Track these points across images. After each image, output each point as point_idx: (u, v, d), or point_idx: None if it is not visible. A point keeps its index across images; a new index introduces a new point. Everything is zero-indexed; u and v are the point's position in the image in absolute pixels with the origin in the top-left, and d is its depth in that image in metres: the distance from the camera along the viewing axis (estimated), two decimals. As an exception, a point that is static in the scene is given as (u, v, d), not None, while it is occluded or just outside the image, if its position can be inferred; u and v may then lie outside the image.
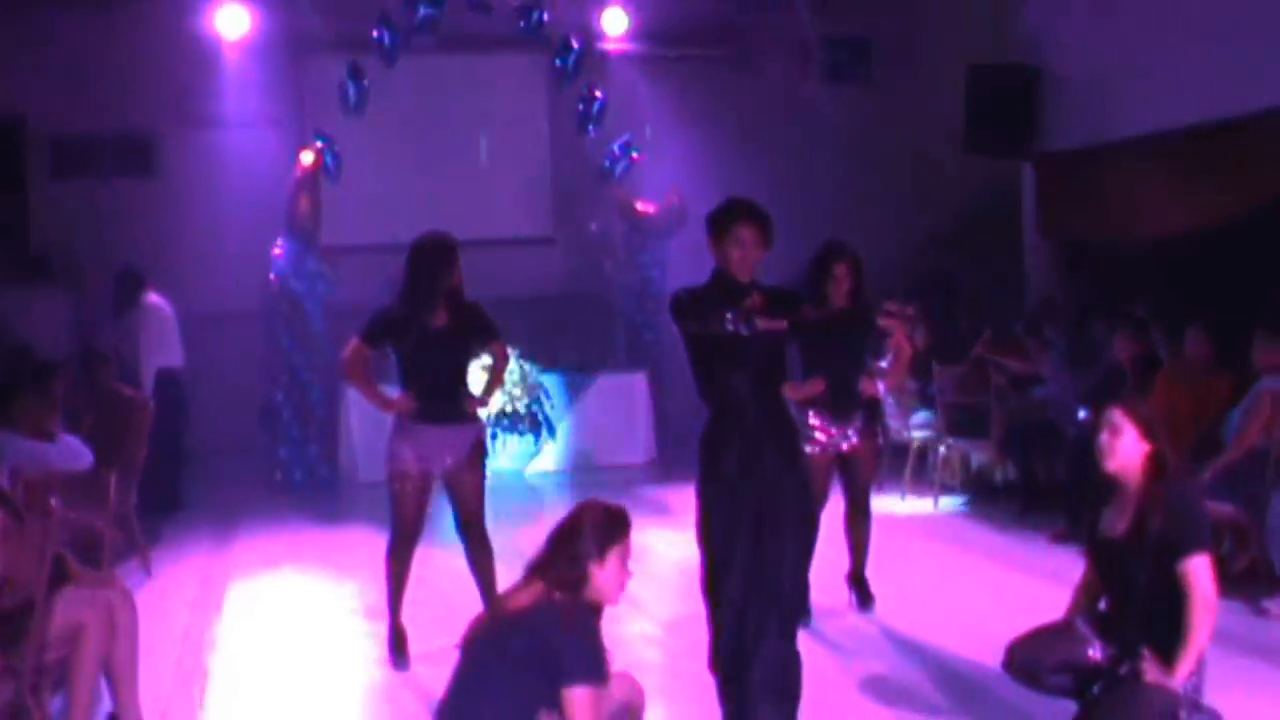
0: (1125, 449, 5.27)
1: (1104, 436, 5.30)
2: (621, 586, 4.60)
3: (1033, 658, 5.42)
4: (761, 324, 5.66)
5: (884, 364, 8.48)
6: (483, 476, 7.31)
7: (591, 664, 4.36)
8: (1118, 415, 5.30)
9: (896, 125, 15.66)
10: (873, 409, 7.88)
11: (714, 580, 5.87)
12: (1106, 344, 10.33)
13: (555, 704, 4.33)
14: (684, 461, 13.31)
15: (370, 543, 9.33)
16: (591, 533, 4.53)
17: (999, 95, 13.00)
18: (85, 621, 5.61)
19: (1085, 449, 5.88)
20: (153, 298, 11.78)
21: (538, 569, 4.55)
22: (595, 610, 4.56)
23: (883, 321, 7.63)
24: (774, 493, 5.76)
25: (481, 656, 4.50)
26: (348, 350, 7.25)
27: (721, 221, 5.94)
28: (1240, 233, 10.62)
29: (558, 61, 14.48)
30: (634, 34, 14.98)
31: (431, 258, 7.09)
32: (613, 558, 4.53)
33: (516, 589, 4.59)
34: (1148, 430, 5.28)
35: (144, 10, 13.79)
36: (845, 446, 7.73)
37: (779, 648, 5.69)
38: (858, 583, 8.02)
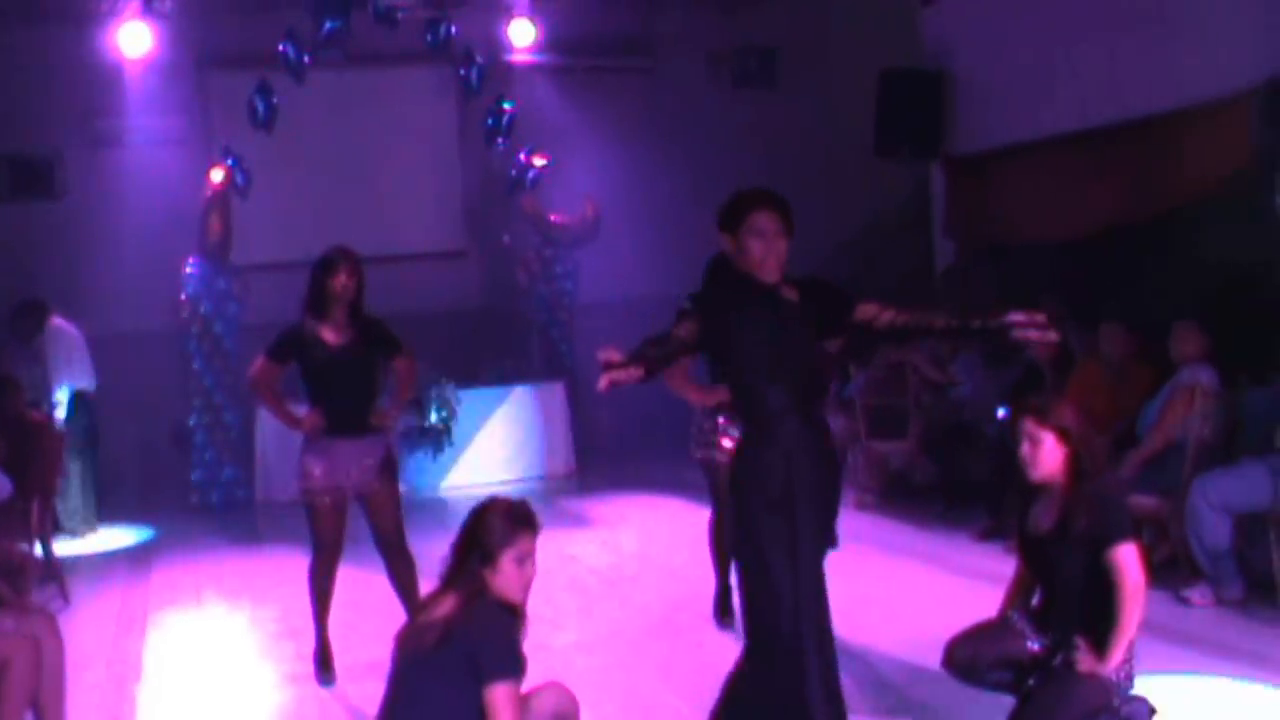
0: (1045, 457, 5.37)
1: (1024, 449, 5.40)
2: (524, 585, 4.59)
3: (972, 655, 5.46)
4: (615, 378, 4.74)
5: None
6: (396, 490, 7.27)
7: (506, 660, 4.38)
8: (1032, 426, 5.39)
9: (806, 131, 15.72)
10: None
11: (768, 603, 5.01)
12: (1021, 341, 10.39)
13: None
14: (604, 471, 13.52)
15: (291, 562, 9.23)
16: (484, 539, 4.52)
17: (908, 100, 13.09)
18: (10, 655, 5.49)
19: (1005, 447, 5.93)
20: (58, 321, 11.62)
21: (447, 578, 4.57)
22: (510, 609, 4.55)
23: None
24: (813, 509, 5.08)
25: (411, 670, 4.49)
26: (254, 368, 7.28)
27: (734, 211, 5.15)
28: (1146, 231, 10.75)
29: (465, 74, 14.42)
30: (542, 45, 14.93)
31: (321, 270, 7.09)
32: (505, 560, 4.51)
33: (433, 600, 4.59)
34: (1063, 435, 5.37)
35: (42, 30, 13.55)
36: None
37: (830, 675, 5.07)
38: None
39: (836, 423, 11.59)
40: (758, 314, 5.04)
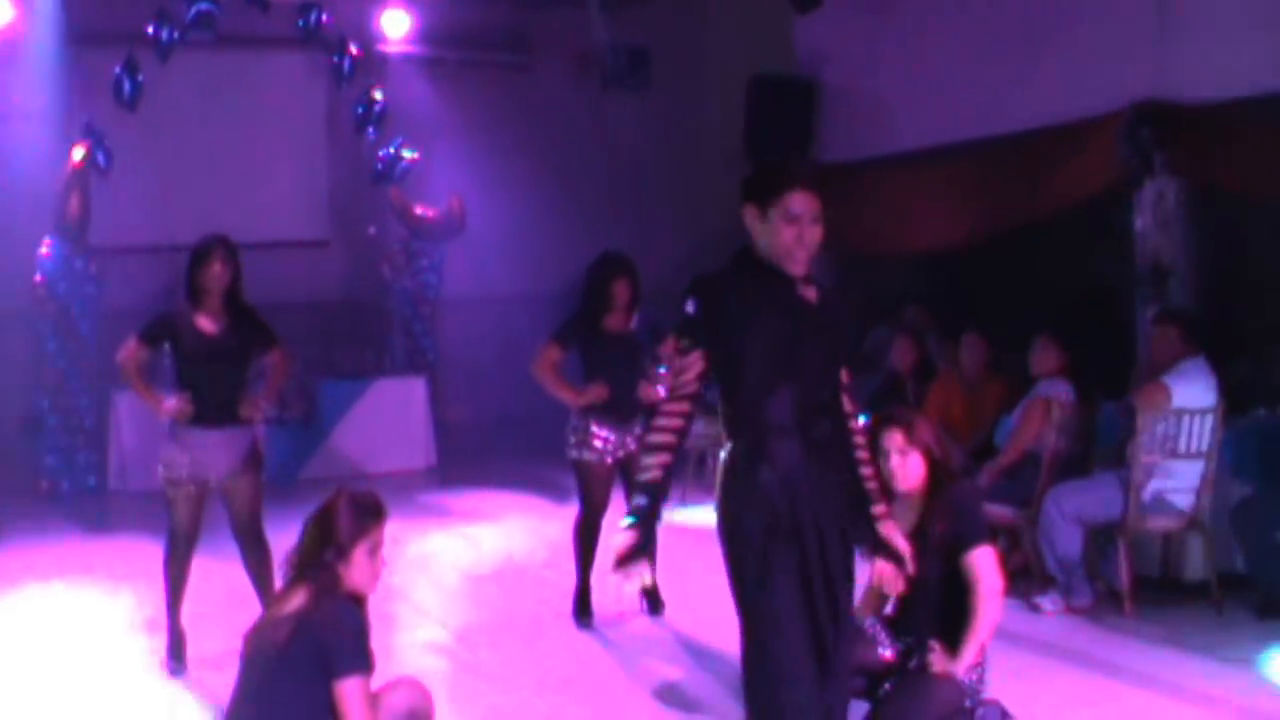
0: (910, 469, 5.47)
1: (892, 461, 5.47)
2: (375, 576, 4.57)
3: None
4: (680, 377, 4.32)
5: (664, 370, 8.53)
6: (259, 481, 7.23)
7: (355, 655, 4.35)
8: (900, 439, 5.48)
9: (675, 134, 15.79)
10: (653, 415, 7.90)
11: (770, 669, 4.43)
12: (885, 350, 10.53)
13: None
14: (464, 468, 13.45)
15: (144, 552, 9.07)
16: (335, 531, 4.49)
17: (779, 107, 13.19)
18: None
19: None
20: None
21: (295, 572, 4.54)
22: (358, 601, 4.53)
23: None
24: (823, 550, 4.41)
25: (260, 665, 4.44)
26: (124, 349, 7.16)
27: (767, 185, 4.41)
28: (1008, 246, 10.95)
29: (337, 62, 14.27)
30: (415, 36, 14.83)
31: (195, 258, 7.03)
32: (359, 553, 4.49)
33: (284, 595, 4.55)
34: (926, 448, 5.50)
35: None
36: (622, 453, 7.74)
37: None
38: (647, 589, 8.03)
39: (697, 425, 11.68)
40: (770, 310, 4.36)
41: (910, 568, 4.62)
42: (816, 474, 4.38)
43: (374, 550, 4.53)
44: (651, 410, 7.84)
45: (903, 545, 4.58)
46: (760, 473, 4.32)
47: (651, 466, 4.29)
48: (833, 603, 4.39)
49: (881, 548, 4.58)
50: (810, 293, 4.43)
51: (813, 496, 4.35)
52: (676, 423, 4.32)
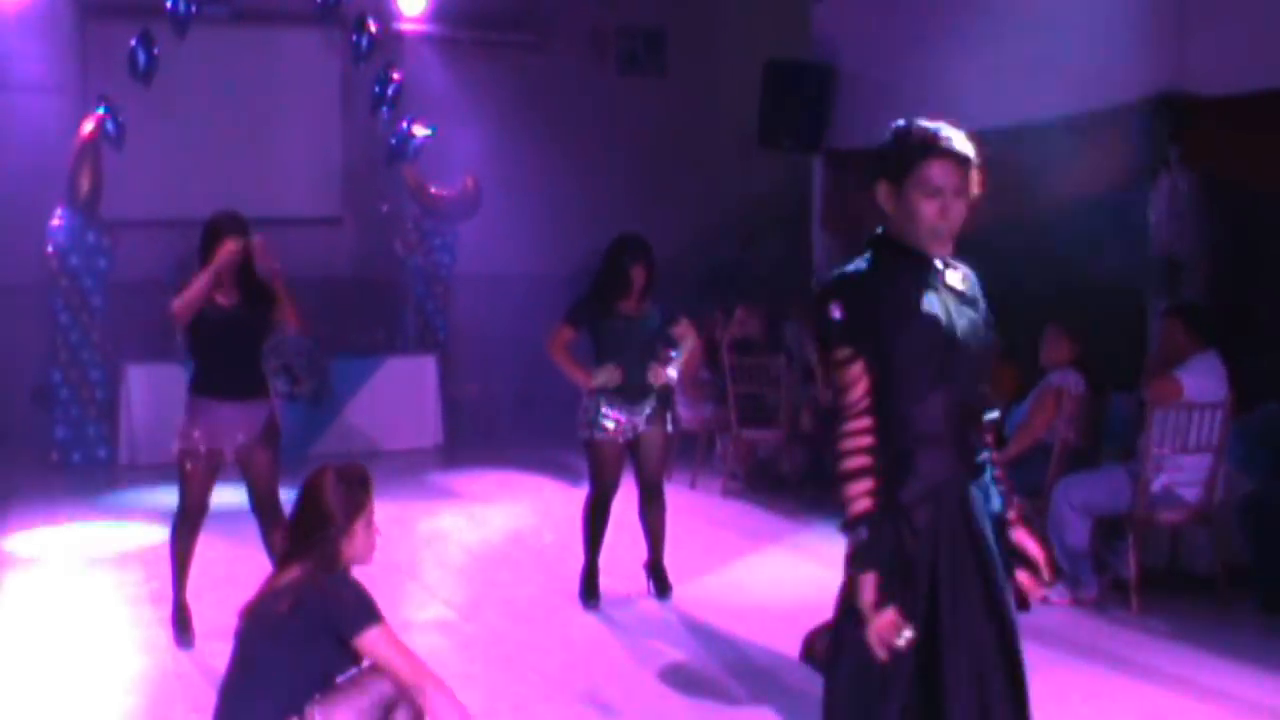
0: None
1: None
2: (372, 548, 4.62)
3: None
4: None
5: (675, 354, 8.53)
6: (276, 454, 7.24)
7: (363, 611, 4.41)
8: None
9: (690, 117, 15.79)
10: (663, 398, 7.94)
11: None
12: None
13: (348, 665, 4.43)
14: (472, 447, 13.47)
15: (153, 525, 9.12)
16: (329, 509, 4.52)
17: (793, 92, 13.16)
18: None
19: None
20: None
21: (292, 549, 4.58)
22: (347, 569, 4.57)
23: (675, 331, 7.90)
24: (962, 596, 3.72)
25: (258, 634, 4.49)
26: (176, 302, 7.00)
27: (901, 156, 3.84)
28: (1019, 235, 10.92)
29: (353, 39, 14.27)
30: (432, 15, 14.84)
31: (208, 234, 7.02)
32: (358, 528, 4.54)
33: (281, 570, 4.60)
34: None
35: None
36: (633, 434, 7.75)
37: None
38: (655, 570, 8.05)
39: (705, 410, 11.71)
40: (918, 304, 3.75)
41: (1047, 575, 4.00)
42: (969, 488, 3.76)
43: (369, 522, 4.58)
44: (664, 394, 7.89)
45: (1036, 552, 3.95)
46: (903, 493, 3.66)
47: (860, 496, 3.61)
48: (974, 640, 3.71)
49: (1016, 556, 3.89)
50: (956, 278, 3.89)
51: (967, 514, 3.74)
52: (865, 440, 3.63)
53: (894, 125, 3.94)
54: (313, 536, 4.51)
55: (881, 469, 3.62)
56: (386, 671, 4.39)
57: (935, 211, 3.74)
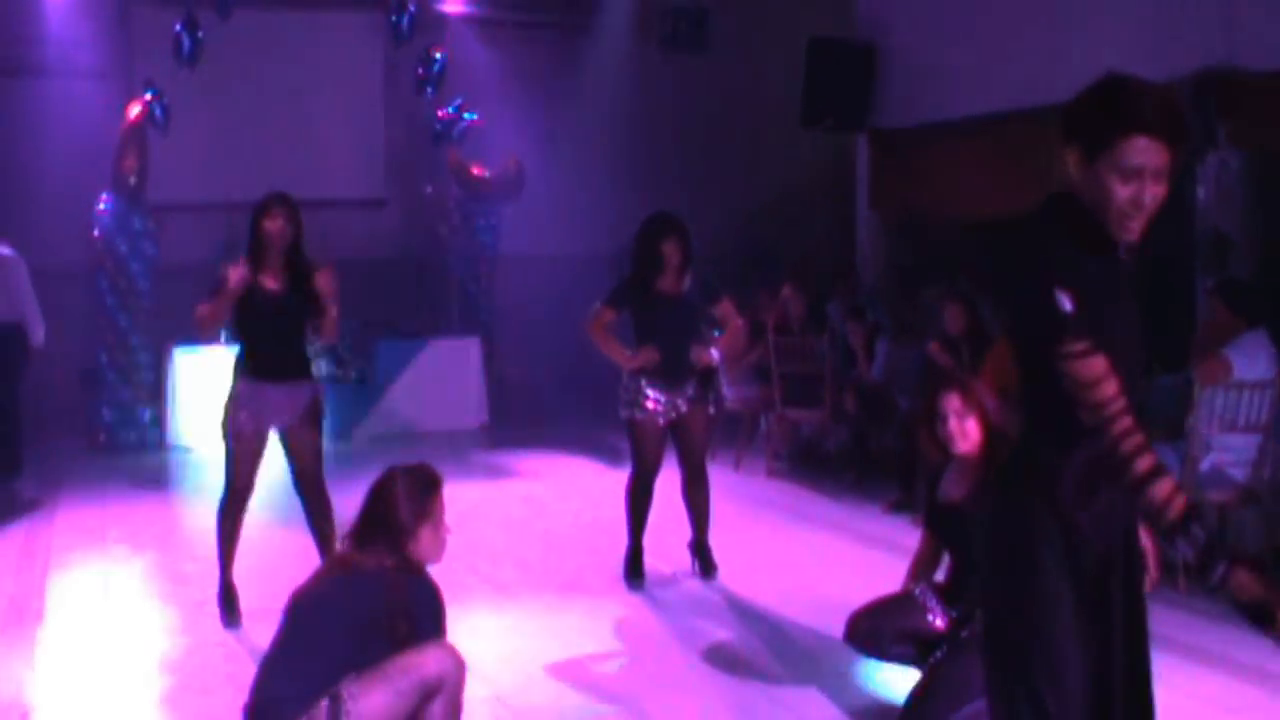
0: (969, 432, 5.41)
1: (950, 424, 5.42)
2: (442, 546, 4.66)
3: (874, 629, 5.51)
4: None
5: (718, 334, 8.53)
6: (320, 434, 7.28)
7: (435, 624, 4.51)
8: (958, 402, 5.43)
9: (733, 96, 15.75)
10: (706, 378, 7.92)
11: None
12: (937, 313, 10.47)
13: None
14: (517, 428, 13.49)
15: (198, 505, 9.17)
16: (400, 509, 4.55)
17: (837, 71, 13.12)
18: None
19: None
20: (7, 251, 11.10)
21: (358, 542, 4.59)
22: (424, 569, 4.62)
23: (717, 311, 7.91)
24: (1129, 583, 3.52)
25: (317, 614, 4.51)
26: (201, 310, 7.09)
27: (1098, 124, 3.31)
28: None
29: (395, 21, 14.29)
30: (475, -4, 14.86)
31: (256, 216, 7.07)
32: (425, 530, 4.58)
33: (346, 560, 4.61)
34: (982, 411, 5.45)
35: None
36: (673, 415, 7.73)
37: None
38: (700, 550, 8.04)
39: (750, 390, 11.69)
40: (1106, 291, 3.32)
41: (1155, 571, 3.98)
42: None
43: (437, 524, 4.61)
44: (707, 374, 7.87)
45: (1147, 544, 3.78)
46: (1060, 488, 3.34)
47: (1173, 495, 3.17)
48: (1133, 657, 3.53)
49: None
50: (1131, 263, 3.45)
51: (1127, 514, 3.45)
52: (1139, 438, 3.17)
53: (1097, 80, 3.37)
54: (375, 535, 4.55)
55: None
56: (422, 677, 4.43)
57: (1129, 195, 3.26)
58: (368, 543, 4.56)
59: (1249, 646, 6.65)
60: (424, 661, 4.45)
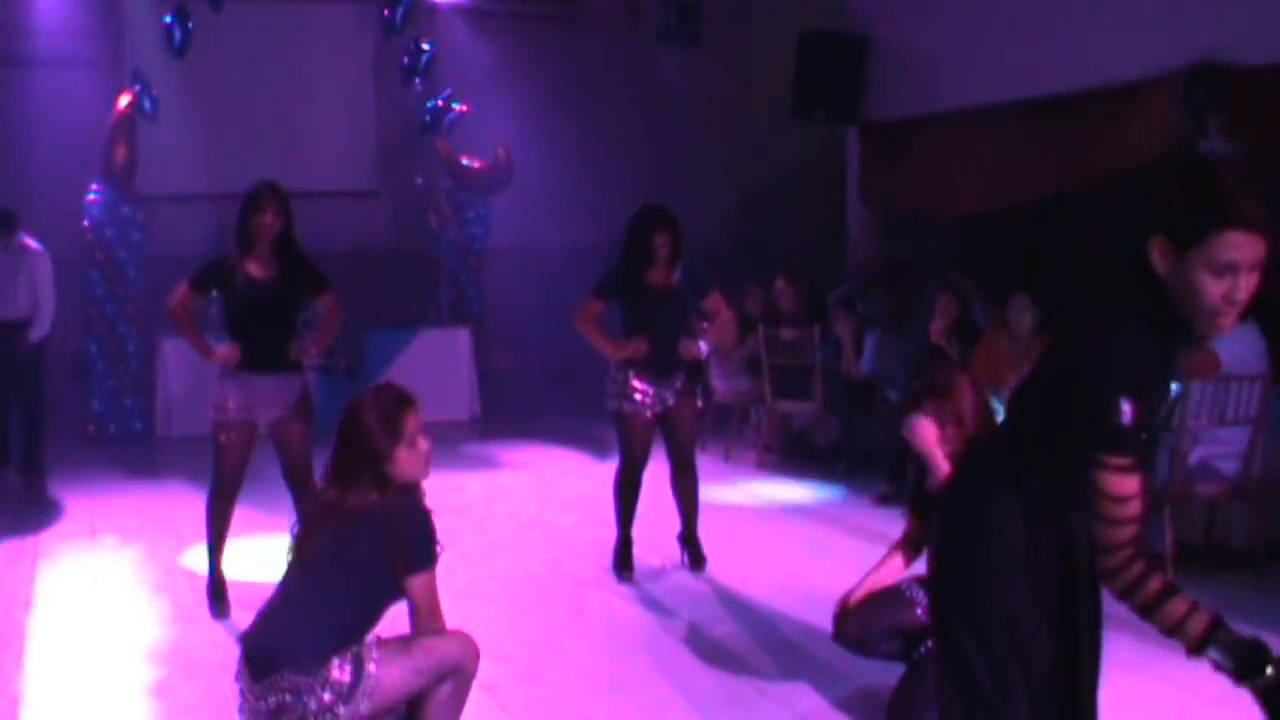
0: (950, 440, 5.44)
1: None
2: (424, 461, 4.63)
3: (862, 627, 5.51)
4: None
5: (707, 325, 8.53)
6: (310, 427, 7.26)
7: (427, 552, 4.51)
8: (939, 408, 5.48)
9: (723, 89, 15.73)
10: (694, 370, 7.92)
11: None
12: (930, 306, 10.47)
13: (392, 598, 4.53)
14: (507, 419, 13.48)
15: (188, 496, 9.14)
16: (375, 438, 4.51)
17: (828, 63, 13.10)
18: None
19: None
20: (30, 241, 11.02)
21: (342, 483, 4.55)
22: (413, 490, 4.61)
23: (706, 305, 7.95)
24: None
25: (319, 568, 4.52)
26: (175, 295, 7.19)
27: (1187, 219, 3.10)
28: (1058, 207, 10.86)
29: (386, 12, 14.26)
30: (464, -13, 14.84)
31: (246, 205, 7.04)
32: (402, 450, 4.53)
33: (336, 500, 4.55)
34: (959, 419, 5.50)
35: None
36: (661, 408, 7.73)
37: None
38: (689, 543, 8.04)
39: (742, 382, 11.69)
40: (1161, 385, 3.27)
41: None
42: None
43: (413, 443, 4.57)
44: (695, 367, 7.87)
45: None
46: (1041, 534, 3.37)
47: (1190, 614, 3.10)
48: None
49: None
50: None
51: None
52: (1143, 563, 3.11)
53: (1183, 168, 3.23)
54: (353, 466, 4.52)
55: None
56: (418, 619, 4.50)
57: (1222, 293, 3.07)
58: (351, 482, 4.52)
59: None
60: (448, 647, 4.53)
